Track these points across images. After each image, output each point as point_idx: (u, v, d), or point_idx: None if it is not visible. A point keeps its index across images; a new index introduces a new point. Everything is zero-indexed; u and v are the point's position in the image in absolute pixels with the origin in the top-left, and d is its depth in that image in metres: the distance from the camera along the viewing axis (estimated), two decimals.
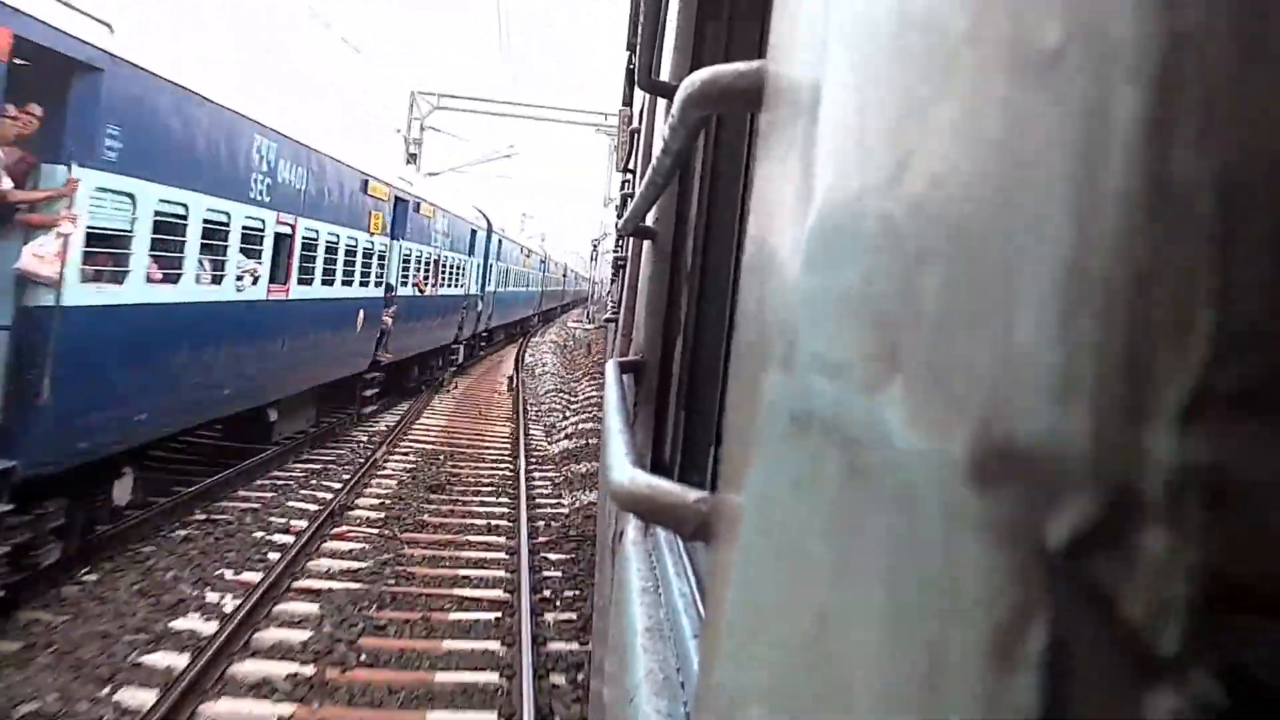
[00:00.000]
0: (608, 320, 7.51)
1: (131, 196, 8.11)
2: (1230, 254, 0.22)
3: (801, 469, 0.46)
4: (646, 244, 2.51)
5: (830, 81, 0.49)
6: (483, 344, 31.98)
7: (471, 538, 10.59)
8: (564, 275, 77.00)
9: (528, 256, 44.50)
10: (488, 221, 28.36)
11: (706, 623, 0.74)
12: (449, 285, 22.96)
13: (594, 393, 22.10)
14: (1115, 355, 0.24)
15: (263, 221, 11.21)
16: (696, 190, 2.15)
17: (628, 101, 8.14)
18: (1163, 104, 0.23)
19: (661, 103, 2.64)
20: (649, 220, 2.36)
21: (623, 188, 7.26)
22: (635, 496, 0.90)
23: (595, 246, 60.60)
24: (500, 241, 31.72)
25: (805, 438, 0.46)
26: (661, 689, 1.16)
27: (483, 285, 28.46)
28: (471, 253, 25.86)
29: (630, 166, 5.62)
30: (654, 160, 1.44)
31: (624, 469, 0.98)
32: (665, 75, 2.46)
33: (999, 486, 0.27)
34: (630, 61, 7.02)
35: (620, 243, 6.02)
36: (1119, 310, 0.24)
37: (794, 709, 0.43)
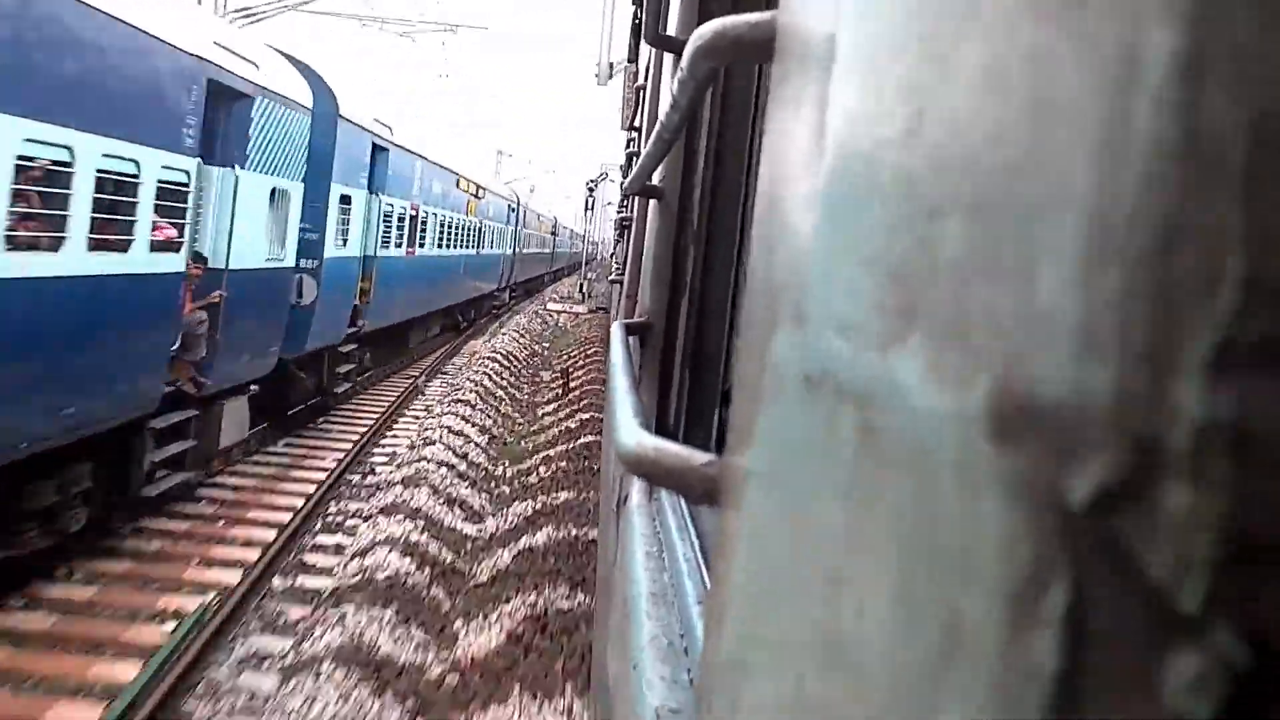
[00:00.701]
0: (613, 281, 7.48)
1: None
2: (1259, 205, 0.21)
3: (814, 429, 0.45)
4: (652, 203, 2.49)
5: (845, 30, 0.47)
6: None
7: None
8: (553, 233, 66.28)
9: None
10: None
11: (713, 587, 0.74)
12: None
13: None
14: (1140, 307, 0.23)
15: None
16: (703, 147, 2.13)
17: (633, 58, 8.06)
18: (1195, 47, 0.22)
19: (668, 59, 2.61)
20: (655, 179, 2.34)
21: (628, 146, 7.21)
22: (643, 459, 0.90)
23: (591, 192, 50.73)
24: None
25: (818, 397, 0.45)
26: (665, 655, 1.16)
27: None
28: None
29: (636, 124, 5.57)
30: (662, 117, 1.42)
31: (632, 431, 0.98)
32: (673, 29, 2.43)
33: (1019, 442, 0.27)
34: (637, 16, 6.94)
35: (625, 202, 5.98)
36: (1145, 261, 0.23)
37: (804, 674, 0.43)
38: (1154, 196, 0.23)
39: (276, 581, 8.81)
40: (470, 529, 10.67)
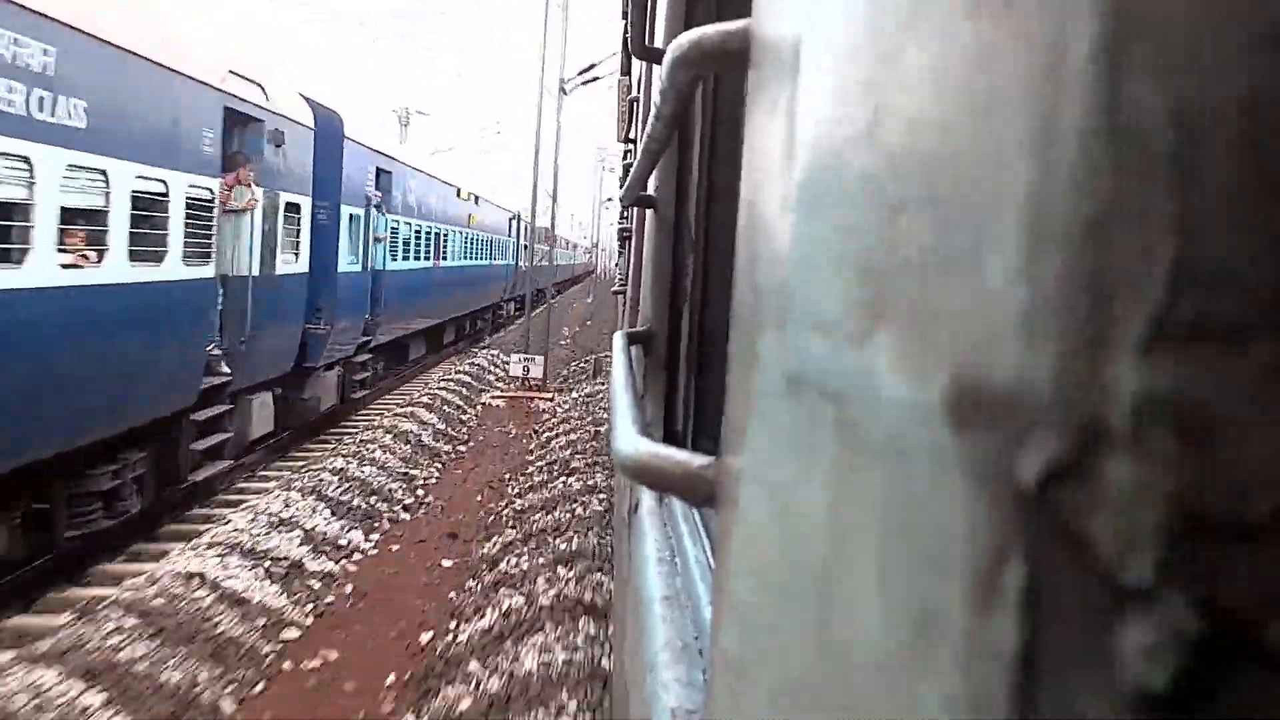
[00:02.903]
0: (615, 292, 7.49)
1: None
2: (1188, 186, 0.22)
3: (797, 427, 0.46)
4: (649, 213, 2.50)
5: (810, 35, 0.48)
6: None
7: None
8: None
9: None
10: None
11: (715, 587, 0.75)
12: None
13: None
14: (1077, 290, 0.24)
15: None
16: (696, 155, 2.14)
17: (626, 71, 8.09)
18: (1118, 39, 0.23)
19: (658, 70, 2.62)
20: (650, 188, 2.35)
21: (624, 158, 7.22)
22: (641, 465, 0.90)
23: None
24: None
25: (800, 395, 0.46)
26: (680, 657, 1.17)
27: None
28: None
29: (631, 136, 5.59)
30: (648, 127, 1.43)
31: (629, 439, 0.99)
32: (659, 41, 2.44)
33: (974, 428, 0.27)
34: (625, 30, 6.95)
35: (625, 213, 6.00)
36: (1080, 248, 0.24)
37: (796, 668, 0.43)
38: (1086, 185, 0.24)
39: None
40: None
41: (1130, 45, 0.23)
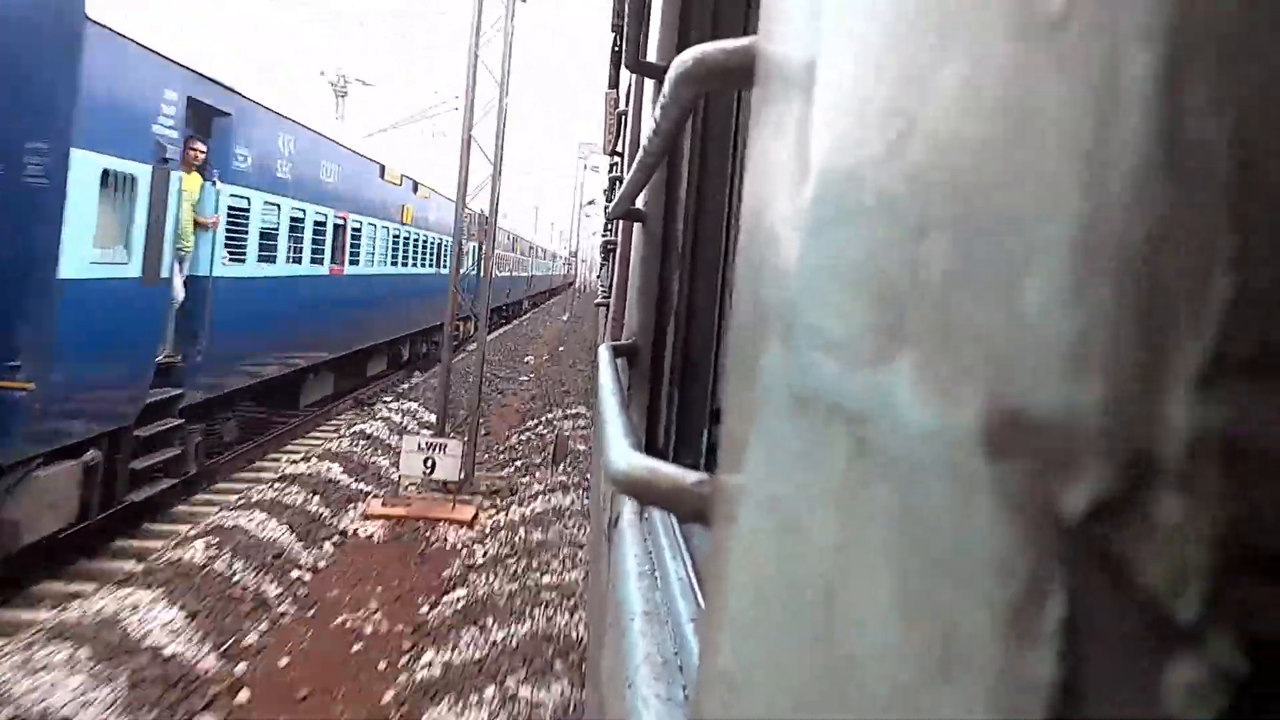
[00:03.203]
0: (598, 305, 7.49)
1: None
2: (1246, 216, 0.21)
3: (804, 447, 0.46)
4: (636, 227, 2.50)
5: (825, 53, 0.48)
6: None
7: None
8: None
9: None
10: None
11: (707, 606, 0.74)
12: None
13: None
14: (1129, 321, 0.23)
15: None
16: (686, 171, 2.14)
17: (614, 84, 8.10)
18: (1174, 63, 0.23)
19: (649, 84, 2.63)
20: (638, 203, 2.35)
21: (610, 171, 7.23)
22: (633, 480, 0.90)
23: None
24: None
25: (807, 415, 0.45)
26: (660, 673, 1.16)
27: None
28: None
29: (618, 150, 5.60)
30: (644, 142, 1.43)
31: (622, 452, 0.98)
32: (652, 56, 2.44)
33: (1012, 457, 0.27)
34: (616, 43, 6.99)
35: (609, 226, 6.00)
36: (1133, 276, 0.23)
37: (799, 691, 0.43)
38: (1139, 211, 0.23)
39: None
40: None
41: (1188, 68, 0.23)
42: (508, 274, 38.55)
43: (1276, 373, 0.21)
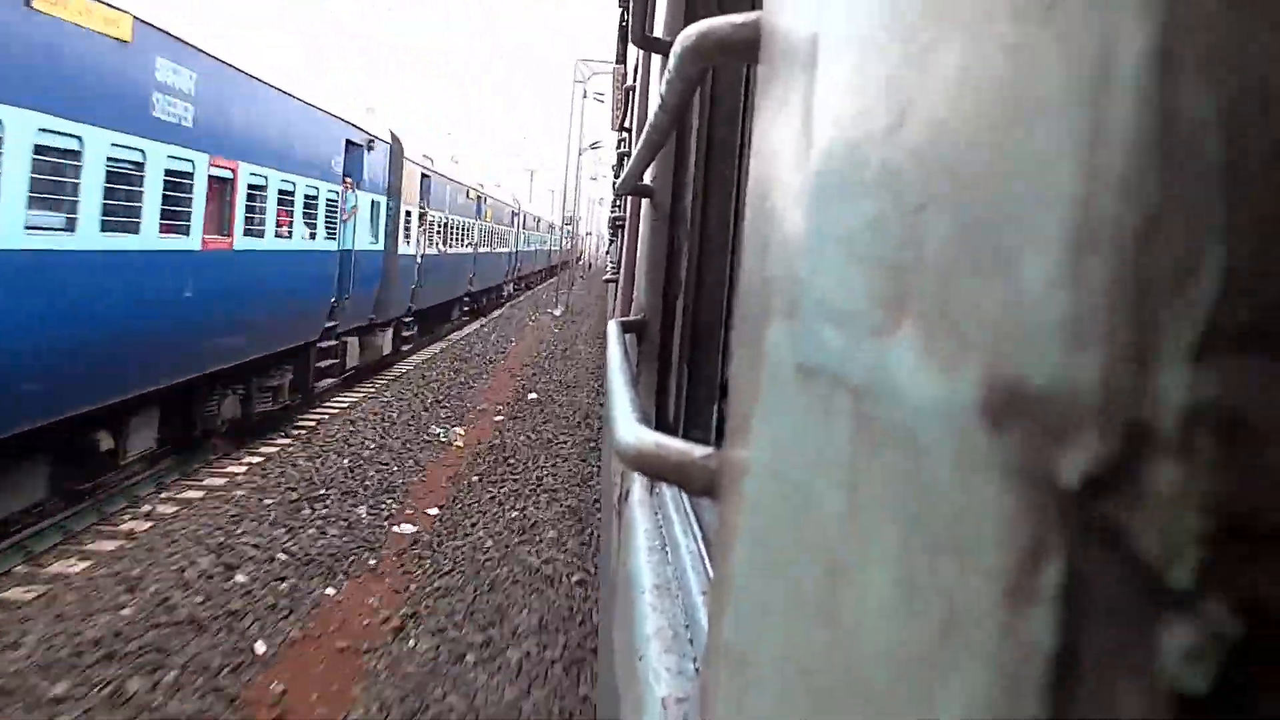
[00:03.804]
0: (608, 281, 7.48)
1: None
2: (1238, 191, 0.22)
3: (809, 419, 0.46)
4: (645, 202, 2.50)
5: (828, 30, 0.48)
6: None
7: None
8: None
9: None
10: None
11: (715, 578, 0.75)
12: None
13: None
14: (1124, 295, 0.24)
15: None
16: (694, 146, 2.13)
17: (622, 59, 8.06)
18: (1168, 41, 0.23)
19: (656, 59, 2.62)
20: (646, 178, 2.35)
21: (619, 147, 7.21)
22: (642, 455, 0.90)
23: None
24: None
25: (812, 387, 0.46)
26: (671, 645, 1.17)
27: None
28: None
29: (626, 125, 5.58)
30: (651, 117, 1.43)
31: (630, 428, 0.99)
32: (659, 31, 2.43)
33: (1011, 427, 0.27)
34: (624, 18, 6.94)
35: (618, 202, 5.99)
36: (1127, 250, 0.24)
37: (805, 660, 0.43)
38: (1133, 189, 0.24)
39: None
40: None
41: (1180, 50, 0.23)
42: (468, 250, 28.21)
43: (1266, 346, 0.21)
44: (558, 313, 34.54)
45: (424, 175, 21.60)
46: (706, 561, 1.38)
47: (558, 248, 65.16)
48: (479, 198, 31.03)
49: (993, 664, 0.27)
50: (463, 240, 27.53)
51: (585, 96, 40.07)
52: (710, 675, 0.67)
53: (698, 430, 2.13)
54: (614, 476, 2.63)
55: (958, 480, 0.30)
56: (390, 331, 19.91)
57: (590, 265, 76.08)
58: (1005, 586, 0.27)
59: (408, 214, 20.10)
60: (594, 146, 45.17)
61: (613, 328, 2.02)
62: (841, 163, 0.45)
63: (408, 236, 20.17)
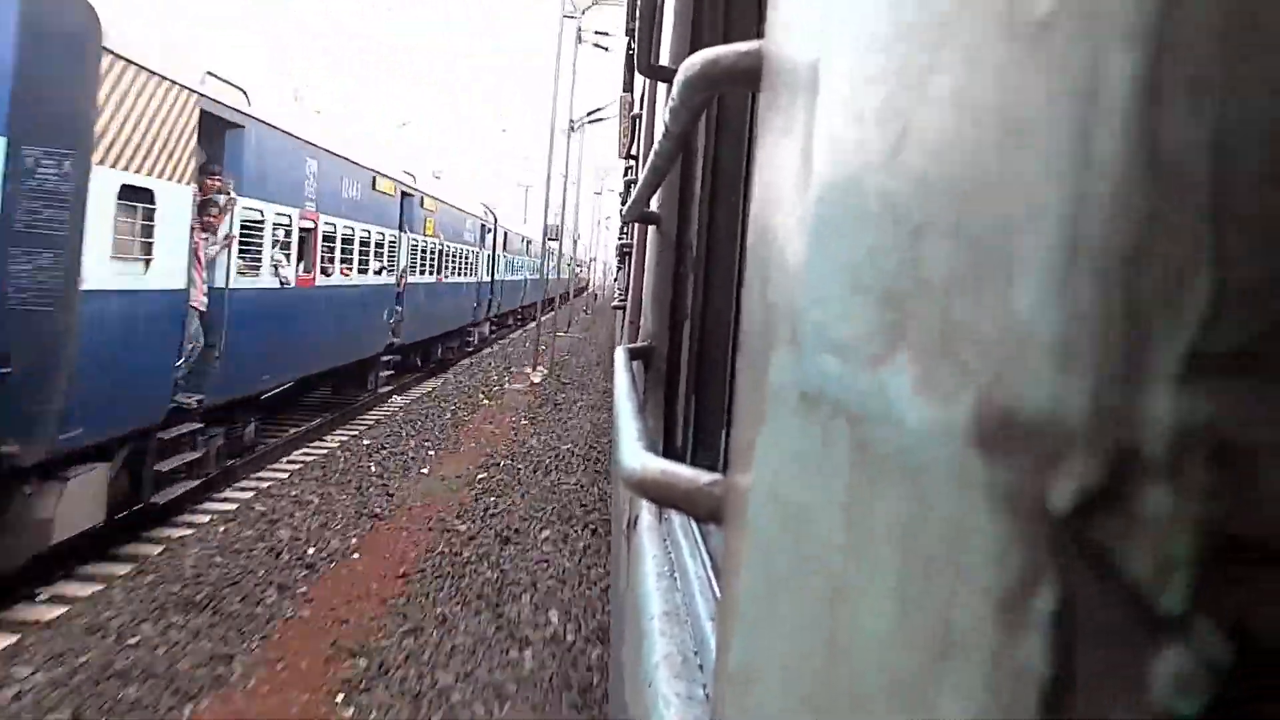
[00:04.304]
0: (615, 308, 7.49)
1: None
2: (1224, 217, 0.22)
3: (810, 446, 0.46)
4: (651, 230, 2.51)
5: (828, 58, 0.49)
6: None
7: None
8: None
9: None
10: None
11: (721, 603, 0.75)
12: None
13: None
14: (1113, 319, 0.24)
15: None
16: (700, 174, 2.15)
17: (628, 87, 8.12)
18: (1155, 68, 0.23)
19: (662, 87, 2.64)
20: (653, 206, 2.36)
21: (625, 174, 7.25)
22: (648, 482, 0.90)
23: None
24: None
25: (813, 414, 0.46)
26: (680, 671, 1.17)
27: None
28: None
29: (633, 153, 5.61)
30: (656, 145, 1.44)
31: (636, 455, 0.99)
32: (665, 60, 2.45)
33: (1003, 453, 0.27)
34: (630, 47, 7.00)
35: (625, 230, 6.01)
36: (1115, 275, 0.24)
37: (808, 685, 0.43)
38: (1121, 213, 0.24)
39: None
40: None
41: (1168, 73, 0.23)
42: (378, 280, 18.55)
43: (1255, 369, 0.22)
44: (536, 378, 21.62)
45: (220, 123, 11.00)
46: (715, 587, 1.38)
47: (554, 275, 47.01)
48: (407, 195, 19.90)
49: (987, 688, 0.27)
50: (369, 261, 17.96)
51: (578, 39, 26.67)
52: (718, 701, 0.66)
53: (706, 456, 2.13)
54: (622, 503, 2.63)
55: (953, 505, 0.30)
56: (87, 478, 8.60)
57: (596, 296, 66.60)
58: (999, 610, 0.27)
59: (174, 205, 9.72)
60: (594, 117, 32.10)
61: (620, 354, 2.03)
62: (842, 189, 0.45)
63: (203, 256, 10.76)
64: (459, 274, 27.25)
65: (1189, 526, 0.22)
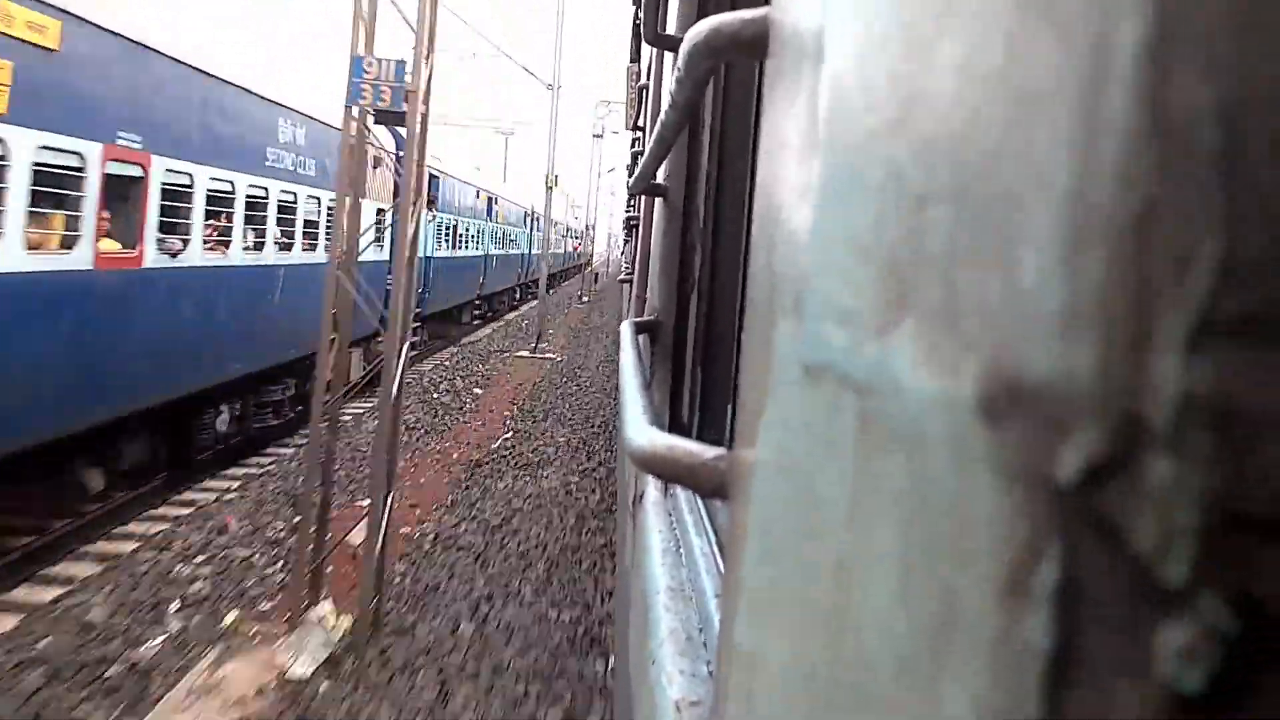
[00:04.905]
0: (622, 281, 7.50)
1: None
2: (1232, 183, 0.22)
3: (815, 418, 0.46)
4: (658, 202, 2.50)
5: (833, 25, 0.48)
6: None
7: None
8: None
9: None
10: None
11: (726, 579, 0.75)
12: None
13: None
14: (1119, 287, 0.23)
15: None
16: (706, 145, 2.13)
17: (635, 58, 8.07)
18: (1163, 33, 0.23)
19: (669, 58, 2.62)
20: (659, 178, 2.35)
21: (632, 146, 7.22)
22: (653, 456, 0.90)
23: None
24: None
25: (818, 386, 0.45)
26: (685, 648, 1.17)
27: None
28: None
29: (640, 124, 5.58)
30: (663, 115, 1.42)
31: (641, 429, 0.98)
32: (671, 29, 2.43)
33: (1009, 423, 0.27)
34: (636, 16, 6.95)
35: (631, 202, 5.99)
36: (1122, 242, 0.23)
37: (811, 661, 0.43)
38: (1129, 181, 0.23)
39: None
40: None
41: (1176, 41, 0.23)
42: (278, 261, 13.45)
43: (1262, 338, 0.21)
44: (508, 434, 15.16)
45: None
46: (720, 563, 1.38)
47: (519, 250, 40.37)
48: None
49: (991, 660, 0.27)
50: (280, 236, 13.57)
51: None
52: (722, 678, 0.67)
53: (712, 431, 2.12)
54: (628, 479, 2.63)
55: (958, 478, 0.30)
56: None
57: (598, 277, 53.39)
58: (1003, 584, 0.27)
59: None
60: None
61: (626, 328, 2.02)
62: (848, 158, 0.45)
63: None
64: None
65: (1195, 497, 0.22)
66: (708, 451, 0.83)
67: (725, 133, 2.11)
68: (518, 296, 42.75)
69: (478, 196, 30.47)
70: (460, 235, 27.29)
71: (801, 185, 0.51)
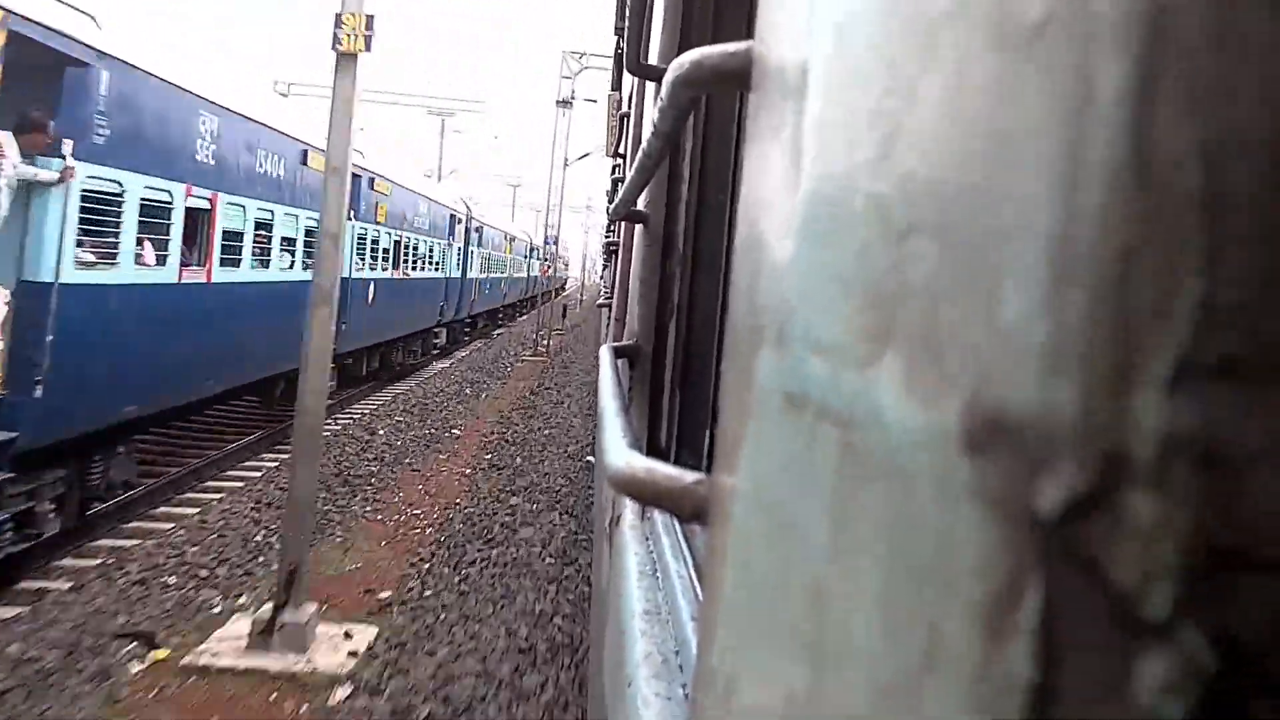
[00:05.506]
0: (601, 305, 7.52)
1: None
2: (1215, 225, 0.22)
3: (795, 448, 0.46)
4: (638, 228, 2.51)
5: (817, 60, 0.49)
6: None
7: None
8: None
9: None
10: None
11: (704, 604, 0.75)
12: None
13: None
14: (1102, 325, 0.24)
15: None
16: (687, 173, 2.15)
17: (617, 86, 8.13)
18: (1146, 76, 0.23)
19: (650, 86, 2.64)
20: (640, 204, 2.36)
21: (613, 172, 7.26)
22: (632, 480, 0.90)
23: None
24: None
25: (799, 416, 0.46)
26: (660, 671, 1.16)
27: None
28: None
29: (621, 151, 5.61)
30: (644, 143, 1.44)
31: (620, 452, 0.98)
32: (654, 59, 2.45)
33: (990, 457, 0.27)
34: (619, 45, 7.00)
35: (611, 228, 6.02)
36: (1105, 281, 0.24)
37: (790, 688, 0.43)
38: (1111, 220, 0.24)
39: None
40: None
41: (1159, 81, 0.23)
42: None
43: (1243, 378, 0.22)
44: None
45: None
46: (697, 587, 1.38)
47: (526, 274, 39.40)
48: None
49: (972, 694, 0.27)
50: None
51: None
52: (698, 701, 0.66)
53: (690, 456, 2.13)
54: (605, 501, 2.63)
55: (938, 510, 0.30)
56: None
57: (565, 310, 46.60)
58: (984, 617, 0.27)
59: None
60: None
61: (605, 353, 2.02)
62: (830, 191, 0.45)
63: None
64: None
65: (1176, 533, 0.22)
66: (688, 476, 0.83)
67: (706, 161, 2.12)
68: (440, 341, 28.23)
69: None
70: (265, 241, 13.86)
71: (784, 216, 0.52)
